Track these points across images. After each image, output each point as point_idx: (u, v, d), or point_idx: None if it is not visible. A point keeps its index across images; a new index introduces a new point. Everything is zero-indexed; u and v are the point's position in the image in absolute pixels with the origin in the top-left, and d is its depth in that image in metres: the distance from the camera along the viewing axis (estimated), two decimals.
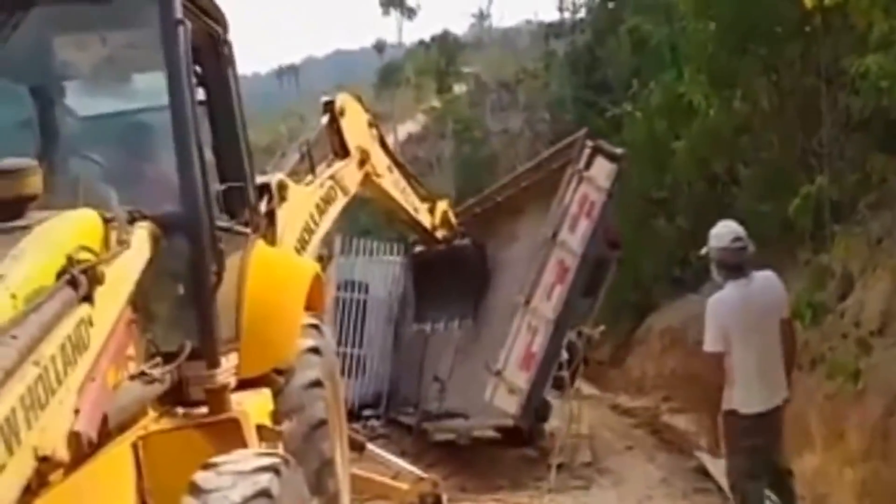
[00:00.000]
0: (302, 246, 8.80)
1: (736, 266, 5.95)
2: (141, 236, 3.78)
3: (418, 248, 13.22)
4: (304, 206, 8.85)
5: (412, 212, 11.74)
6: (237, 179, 4.94)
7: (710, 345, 5.98)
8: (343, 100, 10.08)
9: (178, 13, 4.17)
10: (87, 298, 3.06)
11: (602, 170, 10.52)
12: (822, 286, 7.95)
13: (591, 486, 9.06)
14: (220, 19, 4.89)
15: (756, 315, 5.87)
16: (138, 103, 4.99)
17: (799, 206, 8.48)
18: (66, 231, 3.31)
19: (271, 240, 8.32)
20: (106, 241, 3.51)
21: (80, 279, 3.02)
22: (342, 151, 9.86)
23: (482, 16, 72.53)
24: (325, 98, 10.18)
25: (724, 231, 6.08)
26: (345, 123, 9.90)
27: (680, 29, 13.65)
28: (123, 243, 3.57)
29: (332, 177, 9.43)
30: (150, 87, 4.67)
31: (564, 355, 10.32)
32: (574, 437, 10.54)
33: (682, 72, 12.98)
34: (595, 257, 10.66)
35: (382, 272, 14.65)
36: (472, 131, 34.72)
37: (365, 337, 14.46)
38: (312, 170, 9.28)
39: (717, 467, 8.53)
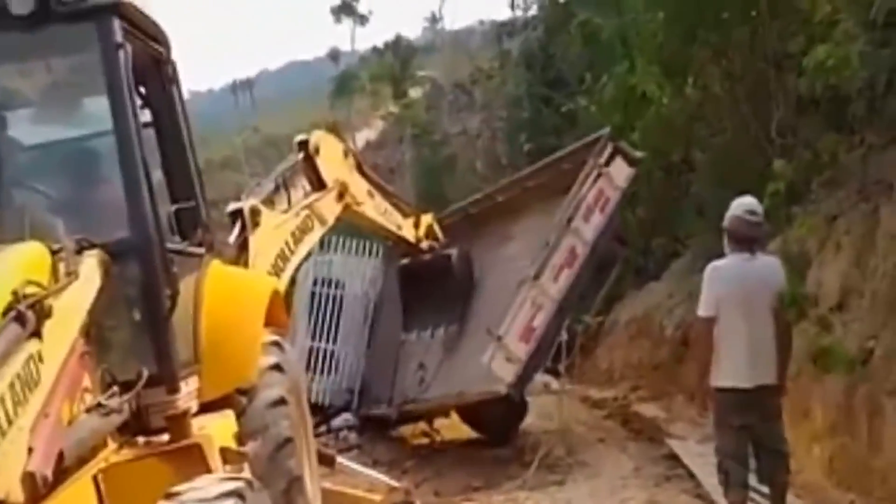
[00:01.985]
0: (276, 272, 8.79)
1: (745, 239, 5.93)
2: (90, 265, 3.72)
3: (404, 260, 13.24)
4: (278, 233, 8.84)
5: (395, 230, 11.84)
6: (188, 199, 4.88)
7: (702, 309, 6.00)
8: (317, 137, 10.12)
9: (118, 37, 4.12)
10: (36, 334, 3.01)
11: (621, 170, 10.80)
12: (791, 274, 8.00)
13: (566, 480, 9.08)
14: (162, 40, 4.83)
15: (749, 290, 5.87)
16: (83, 129, 4.92)
17: (768, 204, 8.52)
18: (12, 266, 3.25)
19: (244, 265, 8.32)
20: (54, 273, 3.46)
21: (28, 315, 2.96)
22: (319, 185, 9.90)
23: (434, 19, 72.45)
24: (299, 137, 10.23)
25: (742, 201, 6.07)
26: (320, 161, 9.97)
27: (630, 21, 13.74)
28: (72, 274, 3.51)
29: (308, 206, 9.45)
30: (94, 112, 4.61)
31: (564, 336, 10.61)
32: (546, 433, 10.62)
33: (634, 63, 13.07)
34: (603, 251, 10.93)
35: (360, 270, 14.65)
36: (430, 135, 34.72)
37: (339, 334, 14.44)
38: (289, 203, 9.32)
39: (688, 453, 8.60)
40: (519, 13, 31.23)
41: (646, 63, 12.50)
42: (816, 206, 8.57)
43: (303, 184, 9.84)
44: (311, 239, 9.57)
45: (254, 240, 8.45)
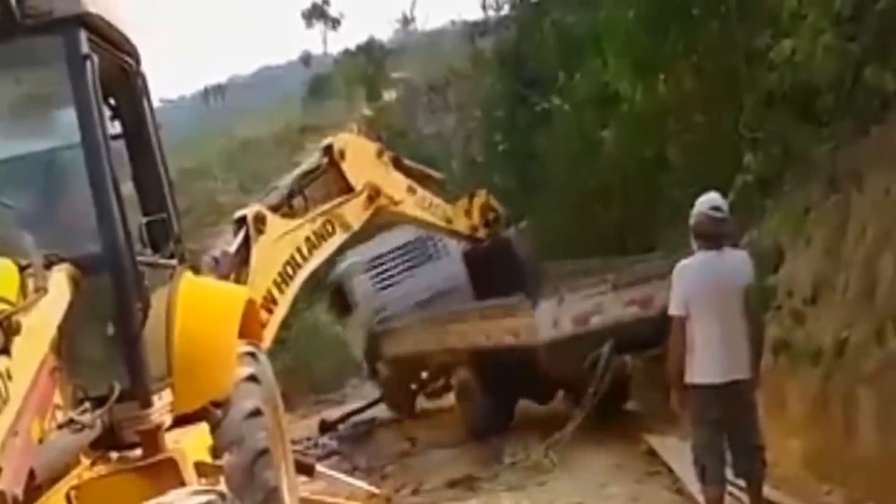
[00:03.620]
0: (283, 280, 8.66)
1: (711, 236, 5.96)
2: (59, 280, 3.70)
3: (466, 248, 13.15)
4: (288, 240, 8.72)
5: (444, 224, 11.68)
6: (159, 211, 4.86)
7: (672, 308, 6.04)
8: (343, 142, 9.99)
9: (85, 48, 4.10)
10: (4, 351, 2.99)
11: None
12: (765, 268, 8.06)
13: (547, 480, 9.10)
14: (130, 51, 4.81)
15: (718, 286, 5.90)
16: (51, 143, 4.89)
17: (734, 199, 8.58)
18: None
19: (244, 274, 8.20)
20: (23, 289, 3.43)
21: None
22: (347, 189, 9.76)
23: (406, 20, 72.42)
24: (325, 142, 10.12)
25: (706, 199, 6.11)
26: (347, 165, 9.82)
27: (602, 19, 13.80)
28: (41, 289, 3.48)
29: (328, 211, 9.31)
30: (62, 125, 4.58)
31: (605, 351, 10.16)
32: (526, 432, 10.63)
33: (607, 61, 13.12)
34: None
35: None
36: (405, 136, 34.71)
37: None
38: (305, 208, 9.21)
39: (666, 448, 8.64)
40: (491, 13, 31.28)
41: (618, 60, 12.56)
42: (788, 198, 8.63)
43: (326, 188, 9.69)
44: (331, 244, 9.41)
45: (257, 246, 8.36)
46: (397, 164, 10.78)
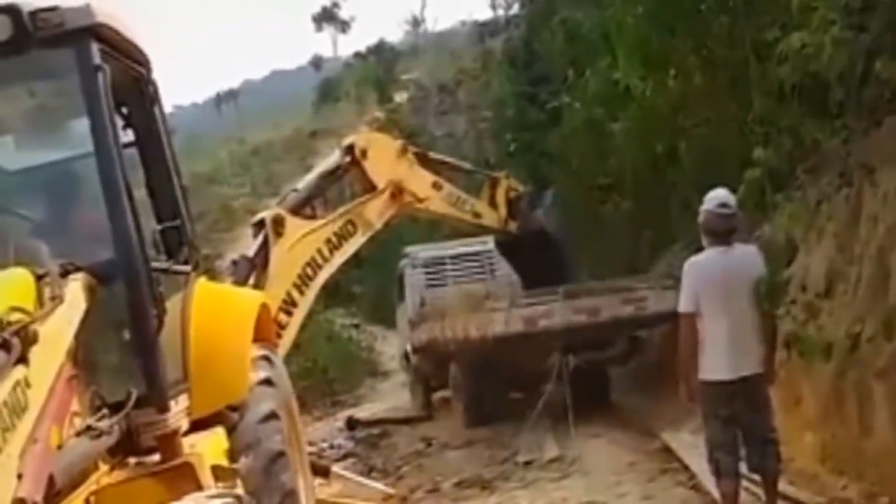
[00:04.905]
0: (303, 282, 8.63)
1: (721, 233, 5.98)
2: (75, 289, 3.74)
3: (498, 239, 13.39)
4: (308, 241, 8.69)
5: (472, 218, 11.70)
6: (173, 218, 4.90)
7: (682, 306, 6.05)
8: (365, 140, 9.98)
9: (96, 59, 4.13)
10: (22, 360, 3.02)
11: None
12: (776, 262, 8.04)
13: (561, 478, 9.10)
14: (142, 60, 4.84)
15: (728, 282, 5.91)
16: (65, 153, 4.94)
17: (745, 192, 8.56)
18: None
19: (262, 277, 8.17)
20: (39, 298, 3.47)
21: (13, 341, 2.98)
22: (370, 188, 9.73)
23: (416, 22, 72.46)
24: (346, 141, 10.11)
25: (714, 195, 6.13)
26: (369, 164, 9.80)
27: (611, 15, 13.79)
28: (57, 298, 3.52)
29: (350, 210, 9.27)
30: (75, 135, 4.62)
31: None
32: (541, 431, 10.67)
33: (616, 58, 13.11)
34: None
35: None
36: (416, 138, 34.79)
37: None
38: (325, 209, 9.22)
39: (681, 445, 8.63)
40: (501, 12, 31.31)
41: (627, 57, 12.55)
42: (801, 192, 8.61)
43: (350, 187, 9.69)
44: (353, 244, 9.37)
45: (276, 249, 8.34)
46: (423, 160, 10.73)
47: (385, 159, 10.09)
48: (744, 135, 10.42)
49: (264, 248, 8.49)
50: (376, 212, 9.68)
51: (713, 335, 5.88)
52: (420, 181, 10.47)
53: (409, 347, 15.22)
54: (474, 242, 14.54)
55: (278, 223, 8.50)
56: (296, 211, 9.17)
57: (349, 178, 9.96)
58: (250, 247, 8.67)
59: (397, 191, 9.97)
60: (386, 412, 16.29)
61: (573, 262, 13.47)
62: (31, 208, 4.58)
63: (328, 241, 9.08)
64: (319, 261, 8.97)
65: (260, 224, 8.76)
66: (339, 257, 9.29)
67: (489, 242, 14.34)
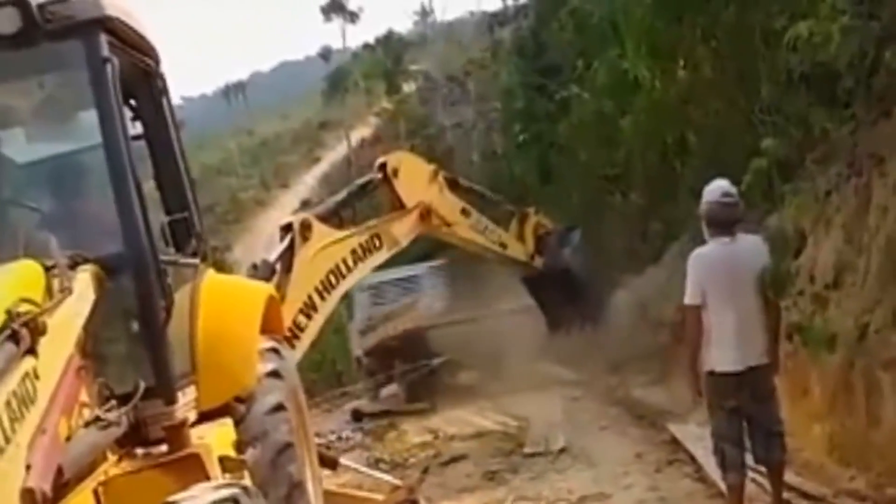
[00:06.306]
0: (325, 288, 8.72)
1: (725, 223, 5.95)
2: (84, 280, 3.75)
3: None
4: (334, 249, 8.76)
5: (499, 249, 11.79)
6: (181, 210, 4.92)
7: (687, 298, 6.04)
8: (396, 160, 10.09)
9: (105, 51, 4.14)
10: (31, 351, 3.05)
11: None
12: (784, 252, 8.02)
13: (568, 469, 9.12)
14: (150, 52, 4.85)
15: (733, 275, 5.89)
16: (74, 145, 4.95)
17: (750, 181, 8.54)
18: (6, 284, 3.29)
19: (285, 280, 8.24)
20: (48, 290, 3.49)
21: (22, 333, 3.00)
22: (400, 206, 9.86)
23: (425, 12, 72.30)
24: (380, 160, 10.28)
25: (715, 186, 6.10)
26: (399, 183, 9.94)
27: (619, 6, 13.76)
28: (66, 290, 3.54)
29: (377, 226, 9.38)
30: (84, 127, 4.63)
31: None
32: (548, 422, 10.69)
33: (625, 48, 13.09)
34: None
35: None
36: (425, 129, 34.75)
37: None
38: (354, 220, 9.35)
39: (689, 437, 8.63)
40: (509, 2, 31.24)
41: (636, 47, 12.52)
42: (809, 182, 8.58)
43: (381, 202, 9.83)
44: (376, 259, 9.52)
45: (301, 252, 8.40)
46: (453, 186, 10.85)
47: (415, 180, 10.29)
48: (752, 125, 10.40)
49: (290, 251, 8.58)
50: (403, 230, 9.85)
51: (719, 327, 5.87)
52: (450, 206, 10.67)
53: (360, 353, 18.07)
54: (406, 269, 17.20)
55: (306, 228, 8.61)
56: (324, 219, 9.29)
57: (384, 194, 10.10)
58: (274, 250, 8.75)
59: (426, 212, 10.14)
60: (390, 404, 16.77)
61: (599, 303, 13.61)
62: (40, 200, 4.59)
63: (353, 251, 9.23)
64: (343, 270, 9.09)
65: (287, 228, 8.85)
66: (362, 270, 9.44)
67: (419, 268, 17.39)
